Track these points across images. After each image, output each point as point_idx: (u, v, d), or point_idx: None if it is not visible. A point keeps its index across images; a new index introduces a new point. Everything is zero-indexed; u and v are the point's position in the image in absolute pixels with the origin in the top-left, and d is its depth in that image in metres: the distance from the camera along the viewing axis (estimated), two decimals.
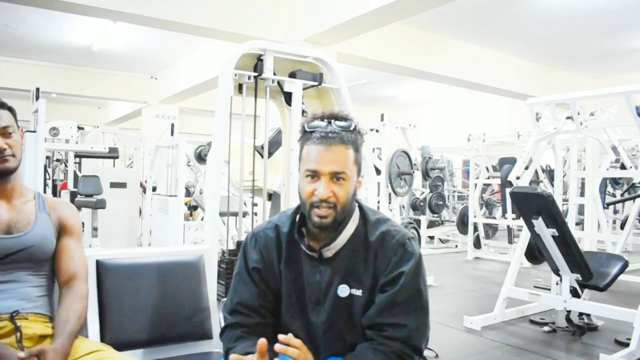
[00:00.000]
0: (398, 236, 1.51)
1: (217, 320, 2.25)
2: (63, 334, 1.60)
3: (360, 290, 1.49)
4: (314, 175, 1.44)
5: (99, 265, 2.10)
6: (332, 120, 1.48)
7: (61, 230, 1.84)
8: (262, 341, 1.33)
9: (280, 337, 1.33)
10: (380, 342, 1.44)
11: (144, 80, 10.63)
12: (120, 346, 1.82)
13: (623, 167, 6.58)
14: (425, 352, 3.50)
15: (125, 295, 2.10)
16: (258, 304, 1.55)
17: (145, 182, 6.74)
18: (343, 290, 1.50)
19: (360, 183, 1.53)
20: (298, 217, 1.56)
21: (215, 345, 2.19)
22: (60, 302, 1.73)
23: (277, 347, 1.31)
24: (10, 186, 1.77)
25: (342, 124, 1.48)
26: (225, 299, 2.30)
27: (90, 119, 13.87)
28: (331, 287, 1.51)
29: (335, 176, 1.43)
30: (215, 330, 2.24)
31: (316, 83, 2.86)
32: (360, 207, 1.57)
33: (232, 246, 2.98)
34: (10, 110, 1.79)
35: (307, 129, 1.49)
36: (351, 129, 1.48)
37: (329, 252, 1.51)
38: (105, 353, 1.65)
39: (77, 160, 8.42)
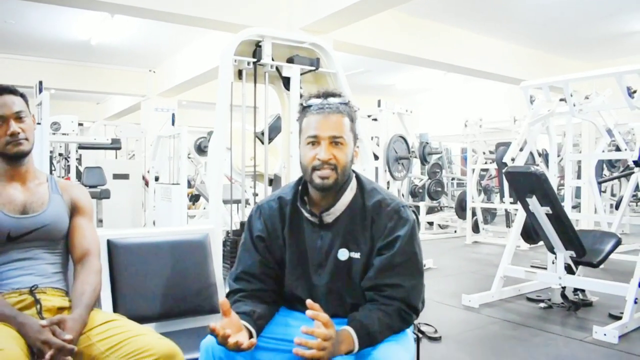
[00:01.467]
0: (393, 204, 1.62)
1: (223, 295, 2.35)
2: (80, 305, 1.70)
3: (359, 254, 1.60)
4: (315, 140, 1.56)
5: (110, 244, 2.20)
6: (327, 97, 1.62)
7: (73, 210, 1.94)
8: (223, 301, 1.44)
9: (309, 311, 1.40)
10: (382, 302, 1.54)
11: (143, 74, 10.69)
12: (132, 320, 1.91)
13: (618, 150, 6.66)
14: (425, 328, 3.64)
15: (136, 272, 2.20)
16: (260, 271, 1.66)
17: (148, 172, 6.83)
18: (343, 254, 1.61)
19: (356, 153, 1.65)
20: (300, 186, 1.67)
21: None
22: (75, 277, 1.83)
23: (309, 313, 1.39)
24: (24, 169, 1.87)
25: (337, 99, 1.62)
26: None
27: (89, 115, 13.93)
28: (332, 251, 1.62)
29: (334, 140, 1.56)
30: None
31: (313, 68, 2.95)
32: (358, 176, 1.69)
33: (235, 227, 3.07)
34: (22, 96, 1.89)
35: (305, 105, 1.62)
36: (346, 102, 1.63)
37: (328, 217, 1.62)
38: (119, 322, 1.74)
39: (78, 155, 8.50)
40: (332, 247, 1.62)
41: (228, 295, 1.69)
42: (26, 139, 1.82)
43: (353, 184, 1.66)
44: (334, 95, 1.63)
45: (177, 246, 2.32)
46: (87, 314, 1.70)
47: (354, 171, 1.68)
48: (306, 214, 1.65)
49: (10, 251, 1.77)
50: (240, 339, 1.39)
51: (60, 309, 1.76)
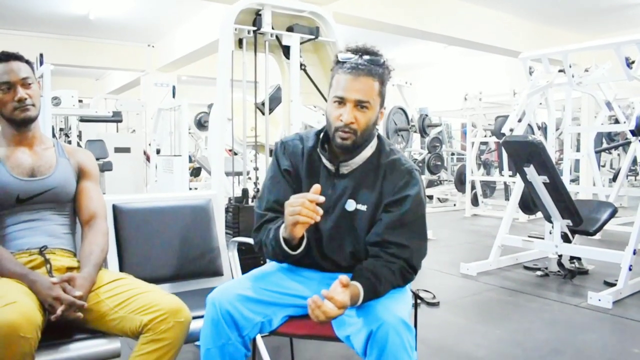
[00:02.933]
0: (407, 165, 1.69)
1: (226, 258, 2.42)
2: (89, 264, 1.77)
3: (365, 206, 1.66)
4: (341, 101, 1.59)
5: (115, 209, 2.25)
6: (363, 54, 1.61)
7: (80, 174, 1.99)
8: (317, 186, 1.50)
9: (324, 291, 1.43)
10: (386, 260, 1.59)
11: (142, 49, 10.63)
12: None
13: (617, 123, 6.67)
14: (423, 294, 3.73)
15: (141, 236, 2.25)
16: None
17: (149, 145, 6.86)
18: (350, 205, 1.67)
19: (382, 114, 1.69)
20: (322, 135, 1.72)
21: (225, 281, 2.35)
22: (83, 238, 1.89)
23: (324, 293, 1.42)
24: (31, 134, 1.91)
25: (372, 58, 1.61)
26: (234, 239, 2.47)
27: (88, 91, 13.84)
28: (340, 200, 1.68)
29: (360, 104, 1.58)
30: (225, 268, 2.41)
31: (313, 36, 2.98)
32: (380, 137, 1.75)
33: (237, 194, 3.13)
34: (28, 63, 1.92)
35: (340, 60, 1.63)
36: (380, 63, 1.62)
37: (345, 168, 1.68)
38: (127, 280, 1.81)
39: (78, 132, 8.52)
40: (341, 197, 1.68)
41: (263, 224, 1.70)
42: (33, 105, 1.86)
43: (374, 142, 1.71)
44: (369, 52, 1.62)
45: (180, 211, 2.37)
46: (96, 273, 1.76)
47: (377, 131, 1.73)
48: (325, 161, 1.70)
49: (20, 213, 1.82)
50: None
51: (70, 269, 1.81)
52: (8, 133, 1.88)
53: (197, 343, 2.49)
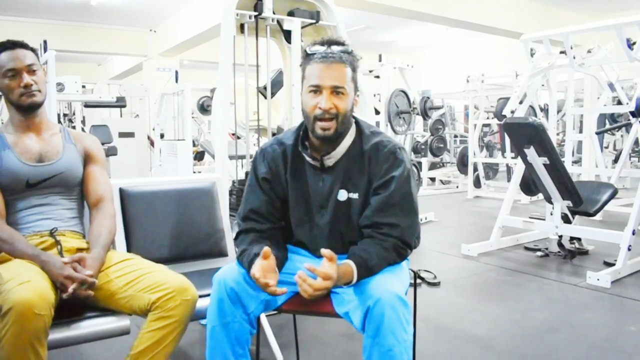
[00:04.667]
0: (390, 146, 1.71)
1: (231, 239, 2.48)
2: (98, 245, 1.83)
3: (357, 194, 1.71)
4: (317, 89, 1.63)
5: (122, 192, 2.30)
6: (331, 45, 1.67)
7: (87, 159, 2.04)
8: (266, 248, 1.55)
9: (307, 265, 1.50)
10: (379, 239, 1.64)
11: (144, 34, 10.62)
12: None
13: (620, 104, 6.66)
14: (424, 274, 3.78)
15: (148, 219, 2.31)
16: (267, 210, 1.76)
17: (153, 130, 6.90)
18: (342, 195, 1.72)
19: (356, 101, 1.72)
20: (302, 132, 1.76)
21: (230, 262, 2.41)
22: (91, 221, 1.95)
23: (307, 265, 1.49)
24: (38, 120, 1.96)
25: (340, 47, 1.67)
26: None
27: (91, 77, 13.83)
28: (332, 192, 1.72)
29: (336, 90, 1.62)
30: (230, 248, 2.47)
31: (314, 21, 3.00)
32: (357, 121, 1.78)
33: (241, 177, 3.18)
34: (33, 50, 1.96)
35: (309, 52, 1.67)
36: (349, 51, 1.68)
37: (329, 160, 1.72)
38: (135, 260, 1.87)
39: (82, 117, 8.55)
40: (332, 189, 1.72)
41: (239, 235, 1.78)
42: (39, 91, 1.90)
43: (352, 129, 1.74)
44: (337, 43, 1.68)
45: (186, 194, 2.42)
46: (105, 254, 1.83)
47: (354, 117, 1.76)
48: (308, 158, 1.74)
49: (30, 197, 1.88)
50: (278, 289, 1.50)
51: (79, 250, 1.87)
52: (16, 120, 1.93)
53: (202, 321, 2.56)
